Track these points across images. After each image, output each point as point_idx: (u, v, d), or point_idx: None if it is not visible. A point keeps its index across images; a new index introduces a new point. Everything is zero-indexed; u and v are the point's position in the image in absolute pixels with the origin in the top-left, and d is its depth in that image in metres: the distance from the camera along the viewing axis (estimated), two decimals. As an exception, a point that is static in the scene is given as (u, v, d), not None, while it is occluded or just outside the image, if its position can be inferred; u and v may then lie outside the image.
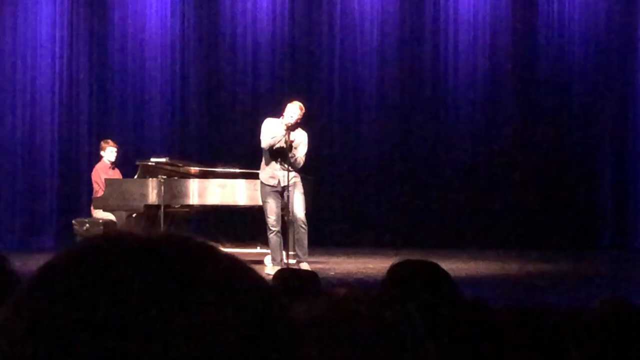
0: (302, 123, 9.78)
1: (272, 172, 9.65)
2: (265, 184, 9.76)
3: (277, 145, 9.54)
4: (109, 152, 11.91)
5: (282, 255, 9.81)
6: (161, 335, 0.72)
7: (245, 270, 0.80)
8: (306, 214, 9.75)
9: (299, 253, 9.76)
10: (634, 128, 13.97)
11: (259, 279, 0.80)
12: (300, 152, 9.64)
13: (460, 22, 14.24)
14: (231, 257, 0.80)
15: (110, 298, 0.73)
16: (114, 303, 0.72)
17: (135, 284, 0.73)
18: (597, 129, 13.96)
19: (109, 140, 12.08)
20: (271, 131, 9.60)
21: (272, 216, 9.71)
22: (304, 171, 9.92)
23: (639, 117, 13.95)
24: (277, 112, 9.89)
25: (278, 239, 9.74)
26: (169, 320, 0.72)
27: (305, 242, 9.75)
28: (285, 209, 9.81)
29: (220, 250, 0.80)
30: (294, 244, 9.90)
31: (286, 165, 9.57)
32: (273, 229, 9.72)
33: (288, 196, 9.64)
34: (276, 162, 9.61)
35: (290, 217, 9.77)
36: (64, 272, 0.76)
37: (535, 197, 13.72)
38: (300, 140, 9.68)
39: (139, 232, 0.79)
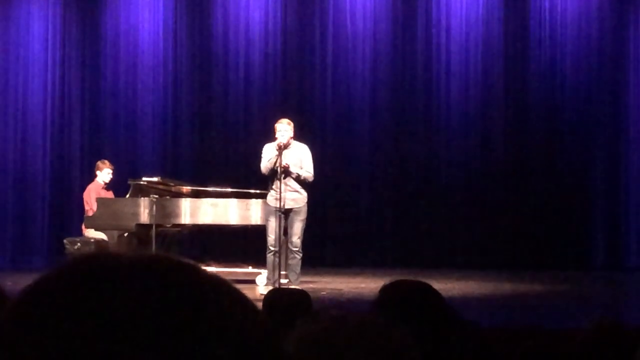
0: (298, 138, 9.86)
1: (275, 194, 9.72)
2: (269, 204, 9.86)
3: (275, 167, 9.60)
4: (105, 174, 11.86)
5: (276, 275, 9.81)
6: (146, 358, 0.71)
7: (232, 294, 0.79)
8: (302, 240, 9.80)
9: (291, 278, 9.80)
10: (626, 148, 13.99)
11: (244, 300, 0.80)
12: (305, 166, 9.76)
13: (453, 40, 14.26)
14: (216, 278, 0.79)
15: (95, 321, 0.72)
16: (98, 326, 0.72)
17: (120, 307, 0.73)
18: (589, 149, 13.98)
19: (106, 161, 12.01)
20: (267, 155, 9.70)
21: (272, 235, 9.81)
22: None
23: (631, 138, 13.97)
24: (269, 132, 9.92)
25: (275, 259, 9.77)
26: (154, 345, 0.71)
27: (299, 268, 9.84)
28: (284, 231, 9.86)
29: (206, 271, 0.80)
30: (287, 266, 9.92)
31: (291, 186, 9.67)
32: (271, 248, 9.82)
33: (288, 220, 9.73)
34: (279, 183, 9.65)
35: (287, 242, 9.83)
36: (49, 294, 0.76)
37: (527, 218, 13.72)
38: (301, 155, 9.79)
39: (125, 253, 0.79)
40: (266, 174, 9.79)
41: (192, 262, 0.80)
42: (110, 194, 11.82)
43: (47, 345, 0.72)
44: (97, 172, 11.93)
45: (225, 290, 0.79)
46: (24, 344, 0.73)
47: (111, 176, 11.90)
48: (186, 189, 11.53)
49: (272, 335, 0.79)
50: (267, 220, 9.93)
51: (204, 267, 0.82)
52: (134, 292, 0.74)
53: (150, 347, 0.72)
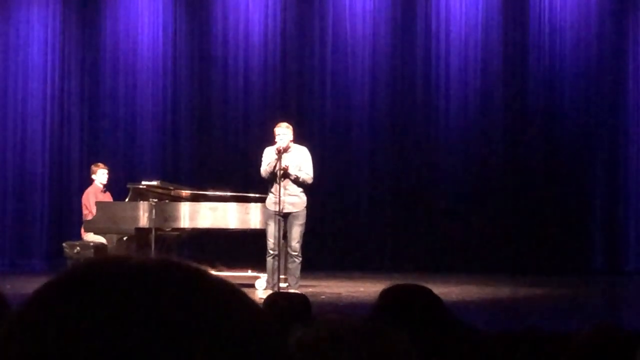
0: (296, 141, 9.87)
1: (274, 198, 9.72)
2: (268, 207, 9.87)
3: (275, 171, 9.61)
4: (101, 175, 11.88)
5: (276, 278, 9.81)
6: None
7: (237, 296, 0.80)
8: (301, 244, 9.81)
9: (290, 282, 9.81)
10: (625, 153, 14.00)
11: (251, 304, 0.80)
12: (305, 168, 9.76)
13: (452, 44, 14.26)
14: (223, 282, 0.80)
15: (102, 326, 0.72)
16: (106, 331, 0.72)
17: (126, 311, 0.73)
18: (588, 153, 13.99)
19: (100, 164, 12.05)
20: (267, 159, 9.70)
21: (271, 239, 9.82)
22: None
23: (629, 141, 13.98)
24: (268, 135, 9.93)
25: (274, 262, 9.78)
26: (161, 348, 0.72)
27: (298, 272, 9.85)
28: (284, 235, 9.87)
29: (212, 275, 0.80)
30: (286, 270, 9.94)
31: (290, 190, 9.67)
32: (271, 252, 9.84)
33: (287, 224, 9.75)
34: (277, 187, 9.65)
35: (287, 246, 9.85)
36: (56, 300, 0.75)
37: (526, 222, 13.71)
38: (301, 158, 9.77)
39: (129, 256, 0.79)
40: (266, 177, 9.79)
41: (199, 265, 0.81)
42: (108, 197, 11.83)
43: (54, 353, 0.72)
44: (93, 176, 11.95)
45: (233, 293, 0.80)
46: (29, 353, 0.73)
47: (107, 176, 11.92)
48: (185, 192, 11.53)
49: (278, 338, 0.80)
50: (266, 223, 9.95)
51: (213, 271, 0.83)
52: (143, 297, 0.74)
53: (160, 350, 0.72)
